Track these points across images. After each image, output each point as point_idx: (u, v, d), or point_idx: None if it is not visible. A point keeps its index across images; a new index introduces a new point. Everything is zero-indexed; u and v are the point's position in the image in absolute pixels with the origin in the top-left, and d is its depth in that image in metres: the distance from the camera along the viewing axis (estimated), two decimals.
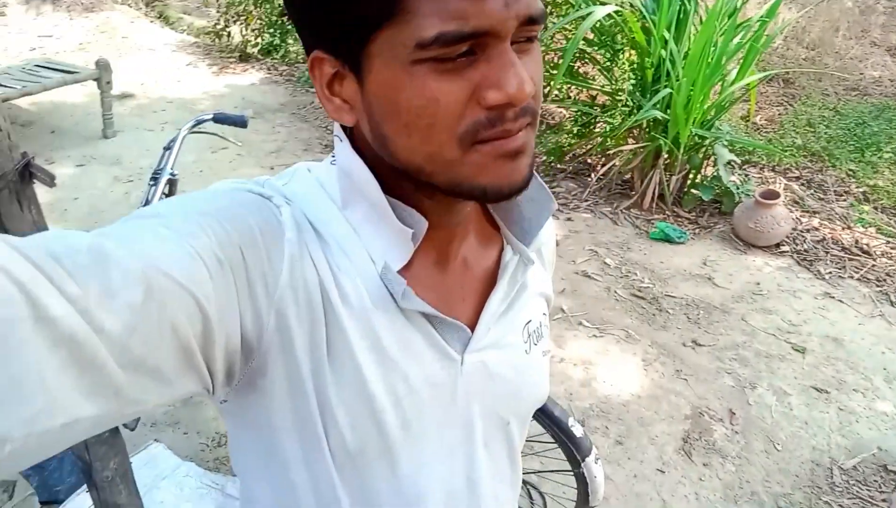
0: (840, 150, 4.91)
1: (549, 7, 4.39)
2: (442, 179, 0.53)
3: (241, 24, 6.36)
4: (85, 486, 1.56)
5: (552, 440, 1.67)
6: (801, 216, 4.15)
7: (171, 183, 2.21)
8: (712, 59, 3.83)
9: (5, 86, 4.28)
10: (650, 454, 2.51)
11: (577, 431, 1.61)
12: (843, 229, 4.03)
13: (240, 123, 2.28)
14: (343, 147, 0.59)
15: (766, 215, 3.73)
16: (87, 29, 6.86)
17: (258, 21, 6.31)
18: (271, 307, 0.53)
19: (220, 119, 2.28)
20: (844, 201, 4.39)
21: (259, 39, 6.39)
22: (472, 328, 0.65)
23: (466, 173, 0.52)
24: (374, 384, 0.58)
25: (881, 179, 4.59)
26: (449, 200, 0.59)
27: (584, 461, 1.60)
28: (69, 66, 4.80)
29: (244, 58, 6.46)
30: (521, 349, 0.70)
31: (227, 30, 6.46)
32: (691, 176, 4.25)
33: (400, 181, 0.57)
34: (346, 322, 0.56)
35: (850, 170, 4.70)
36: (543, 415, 1.61)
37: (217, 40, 6.59)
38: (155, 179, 2.19)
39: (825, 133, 5.15)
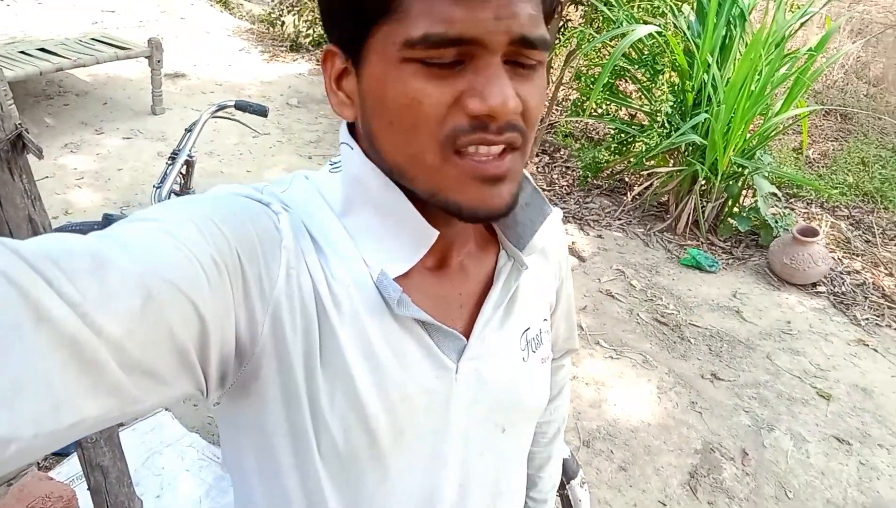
0: (894, 192, 4.71)
1: (600, 24, 4.33)
2: (422, 185, 0.54)
3: (296, 14, 6.44)
4: None
5: None
6: (842, 257, 3.98)
7: (189, 164, 2.23)
8: (756, 87, 3.71)
9: (61, 56, 4.40)
10: (654, 484, 2.43)
11: (564, 451, 1.55)
12: (887, 275, 3.85)
13: (260, 112, 2.30)
14: (354, 155, 0.59)
15: (804, 252, 3.59)
16: (148, 7, 7.03)
17: (311, 13, 6.38)
18: (266, 313, 0.53)
19: (241, 106, 2.30)
20: (894, 245, 4.21)
21: (311, 31, 6.46)
22: (468, 335, 0.64)
23: (444, 185, 0.53)
24: (367, 392, 0.58)
25: None
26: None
27: (568, 483, 1.54)
28: (123, 42, 4.89)
29: (295, 48, 6.54)
30: (517, 357, 0.69)
31: (282, 19, 6.55)
32: (729, 205, 4.14)
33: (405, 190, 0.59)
34: (339, 330, 0.57)
35: None
36: None
37: (271, 29, 6.70)
38: (173, 158, 2.21)
39: (880, 173, 4.95)
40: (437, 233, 0.59)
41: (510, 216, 0.66)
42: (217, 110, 2.32)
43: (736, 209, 4.14)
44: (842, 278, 3.75)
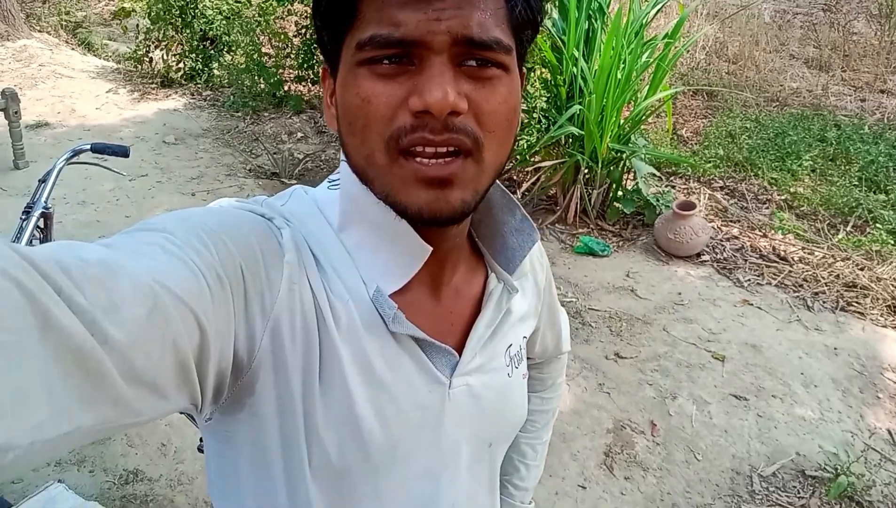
0: (762, 159, 5.03)
1: None
2: (377, 187, 0.56)
3: (163, 49, 6.22)
4: None
5: None
6: (721, 226, 4.21)
7: (46, 217, 2.09)
8: (622, 75, 3.89)
9: None
10: (572, 470, 2.47)
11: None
12: (762, 236, 4.11)
13: (120, 152, 2.18)
14: (350, 171, 0.60)
15: (685, 225, 3.77)
16: (2, 58, 6.60)
17: (180, 46, 6.18)
18: (266, 328, 0.54)
19: (98, 149, 2.18)
20: (767, 208, 4.49)
21: (181, 65, 6.25)
22: (460, 352, 0.66)
23: (393, 186, 0.54)
24: (363, 407, 0.59)
25: (801, 186, 4.71)
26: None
27: None
28: None
29: (167, 83, 6.30)
30: (503, 373, 0.72)
31: (149, 56, 6.30)
32: (613, 189, 4.29)
33: None
34: (338, 345, 0.58)
35: (772, 178, 4.81)
36: None
37: (138, 66, 6.43)
38: (27, 212, 2.07)
39: (747, 143, 5.27)
40: (431, 249, 0.60)
41: (500, 241, 0.70)
42: (72, 157, 2.19)
43: (620, 193, 4.29)
44: (722, 246, 3.97)
